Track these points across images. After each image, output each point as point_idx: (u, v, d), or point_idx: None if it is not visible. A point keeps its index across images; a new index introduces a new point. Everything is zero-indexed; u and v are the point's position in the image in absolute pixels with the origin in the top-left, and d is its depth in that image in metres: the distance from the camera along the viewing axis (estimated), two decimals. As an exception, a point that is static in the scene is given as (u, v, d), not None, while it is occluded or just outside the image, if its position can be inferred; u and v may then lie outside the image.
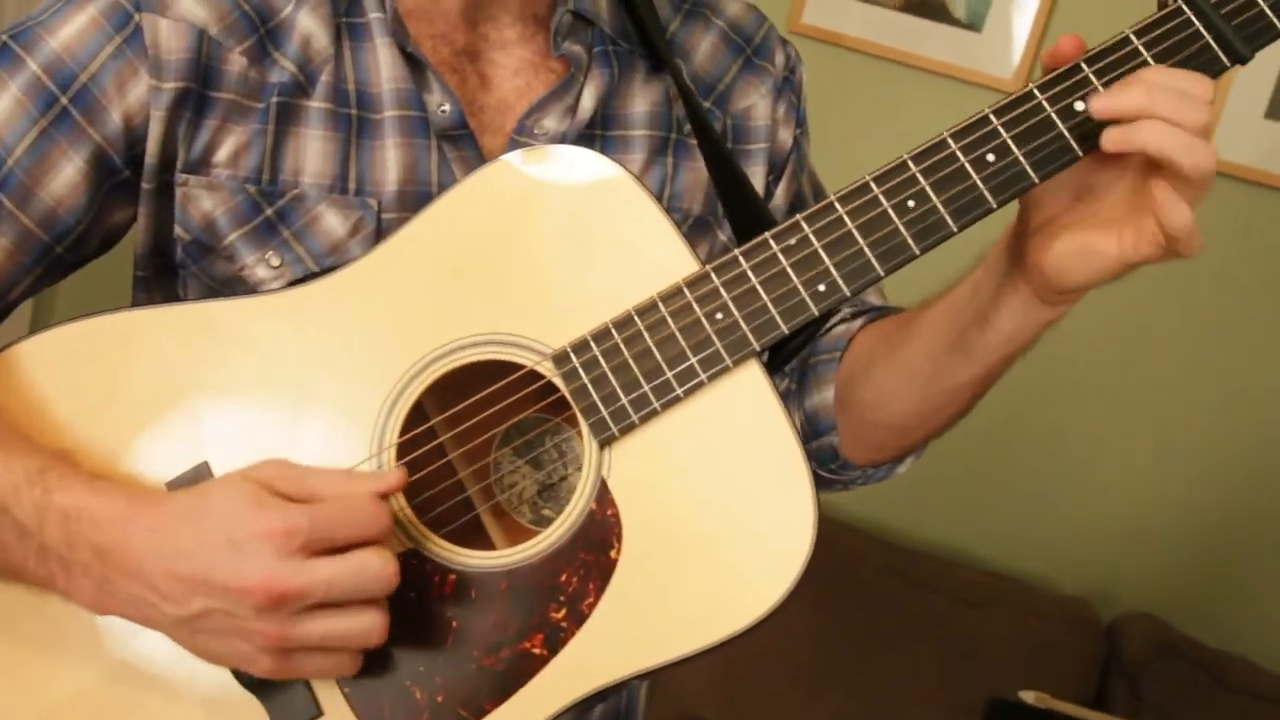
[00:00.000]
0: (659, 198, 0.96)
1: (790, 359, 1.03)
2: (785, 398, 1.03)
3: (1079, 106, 0.79)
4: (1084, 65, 0.79)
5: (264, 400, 0.86)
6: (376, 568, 0.75)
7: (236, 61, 0.88)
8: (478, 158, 0.92)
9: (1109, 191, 0.80)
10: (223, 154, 0.88)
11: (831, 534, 2.15)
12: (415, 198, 0.91)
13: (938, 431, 0.97)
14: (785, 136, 1.05)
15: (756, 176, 1.03)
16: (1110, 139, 0.76)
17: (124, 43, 0.85)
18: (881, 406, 0.96)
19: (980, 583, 2.19)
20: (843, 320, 1.04)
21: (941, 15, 2.24)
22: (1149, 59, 0.79)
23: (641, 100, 0.98)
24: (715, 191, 0.98)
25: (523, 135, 0.92)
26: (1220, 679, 2.07)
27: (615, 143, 0.96)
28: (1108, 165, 0.81)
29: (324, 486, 0.78)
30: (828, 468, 1.03)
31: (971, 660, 2.12)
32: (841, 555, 2.20)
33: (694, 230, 0.99)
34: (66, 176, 0.86)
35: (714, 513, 0.82)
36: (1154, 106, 0.74)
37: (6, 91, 0.85)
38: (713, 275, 0.82)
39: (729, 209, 0.98)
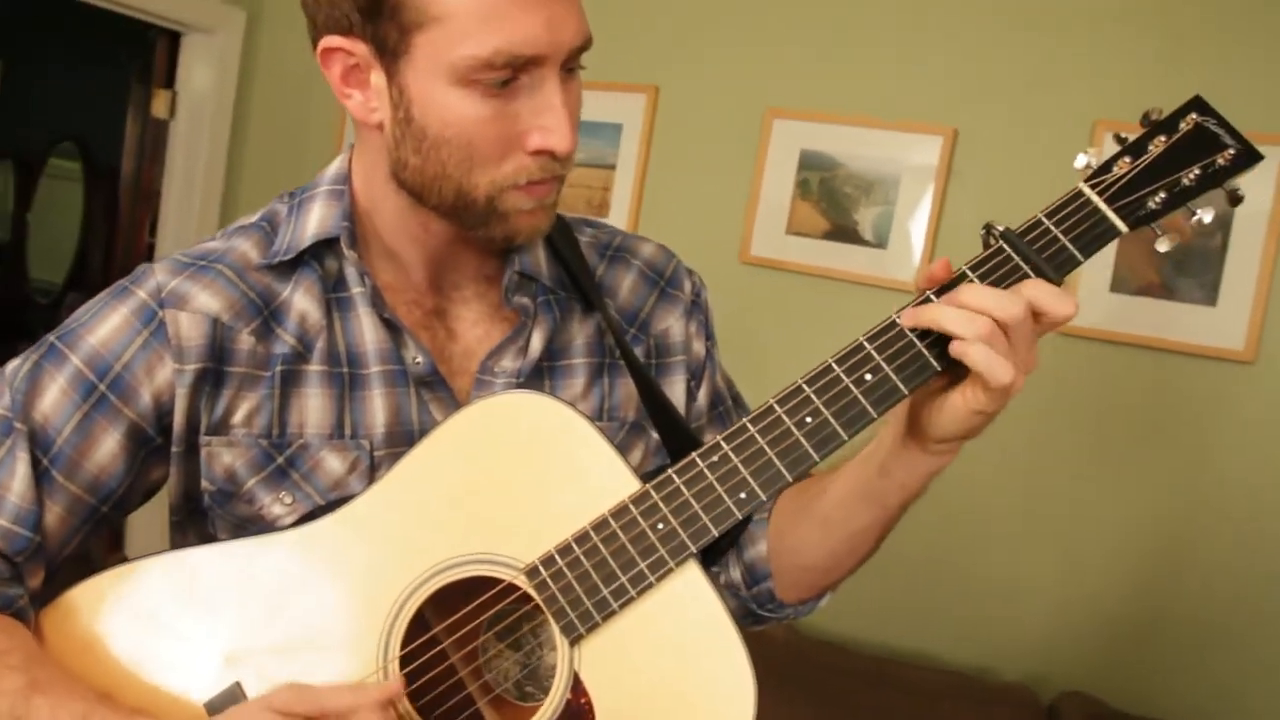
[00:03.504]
0: (600, 411, 0.96)
1: (723, 554, 1.00)
2: (726, 554, 1.01)
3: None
4: (931, 295, 0.79)
5: (285, 625, 0.82)
6: None
7: (246, 340, 0.87)
8: (450, 398, 0.91)
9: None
10: (239, 417, 0.87)
11: (811, 649, 2.13)
12: (401, 436, 0.89)
13: (851, 569, 0.95)
14: (699, 348, 1.04)
15: (679, 383, 1.02)
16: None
17: (151, 335, 0.86)
18: (806, 552, 0.95)
19: (937, 679, 2.19)
20: None
21: (855, 238, 2.42)
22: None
23: (580, 334, 0.97)
24: (642, 401, 0.98)
25: (485, 375, 0.91)
26: (1148, 742, 2.03)
27: (561, 371, 0.95)
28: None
29: (333, 701, 0.75)
30: (766, 608, 1.00)
31: (935, 748, 2.08)
32: (820, 668, 2.20)
33: (630, 433, 0.98)
34: (107, 449, 0.86)
35: (671, 692, 0.79)
36: (948, 323, 0.76)
37: (54, 384, 0.85)
38: (652, 492, 0.81)
39: (651, 413, 0.97)
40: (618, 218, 2.68)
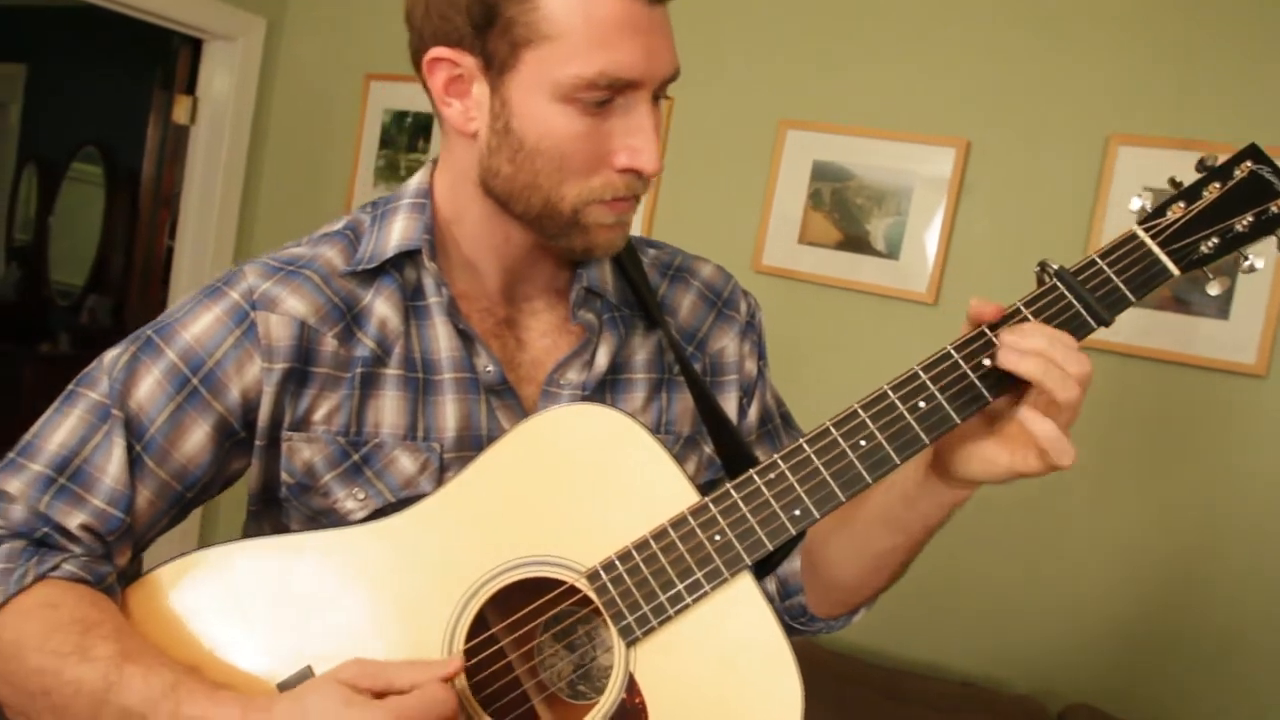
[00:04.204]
0: (658, 425, 0.98)
1: (776, 567, 1.02)
2: (775, 569, 1.03)
3: (986, 362, 0.81)
4: (987, 330, 0.82)
5: (356, 614, 0.85)
6: None
7: (329, 343, 0.90)
8: (518, 405, 0.93)
9: (1006, 418, 0.83)
10: (319, 414, 0.90)
11: (831, 662, 2.19)
12: (470, 440, 0.92)
13: (880, 589, 0.97)
14: (751, 367, 1.07)
15: (731, 399, 1.05)
16: (1007, 360, 0.79)
17: (242, 335, 0.89)
18: (835, 569, 0.97)
19: (949, 690, 2.20)
20: None
21: (867, 249, 2.41)
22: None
23: (641, 351, 1.00)
24: (699, 416, 1.01)
25: (552, 386, 0.94)
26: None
27: (622, 385, 0.98)
28: (1007, 398, 0.82)
29: (398, 677, 0.78)
30: (799, 621, 1.03)
31: (946, 757, 2.08)
32: (839, 679, 2.21)
33: (686, 446, 1.01)
34: (196, 439, 0.89)
35: (722, 696, 0.81)
36: (1048, 349, 0.78)
37: (150, 375, 0.88)
38: (711, 505, 0.83)
39: (709, 428, 1.00)
40: (632, 226, 2.66)
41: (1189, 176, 0.85)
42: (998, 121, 2.33)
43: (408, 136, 3.02)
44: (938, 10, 2.40)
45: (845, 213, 2.46)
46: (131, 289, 3.61)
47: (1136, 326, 2.20)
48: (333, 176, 3.17)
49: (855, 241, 2.45)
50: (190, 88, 3.22)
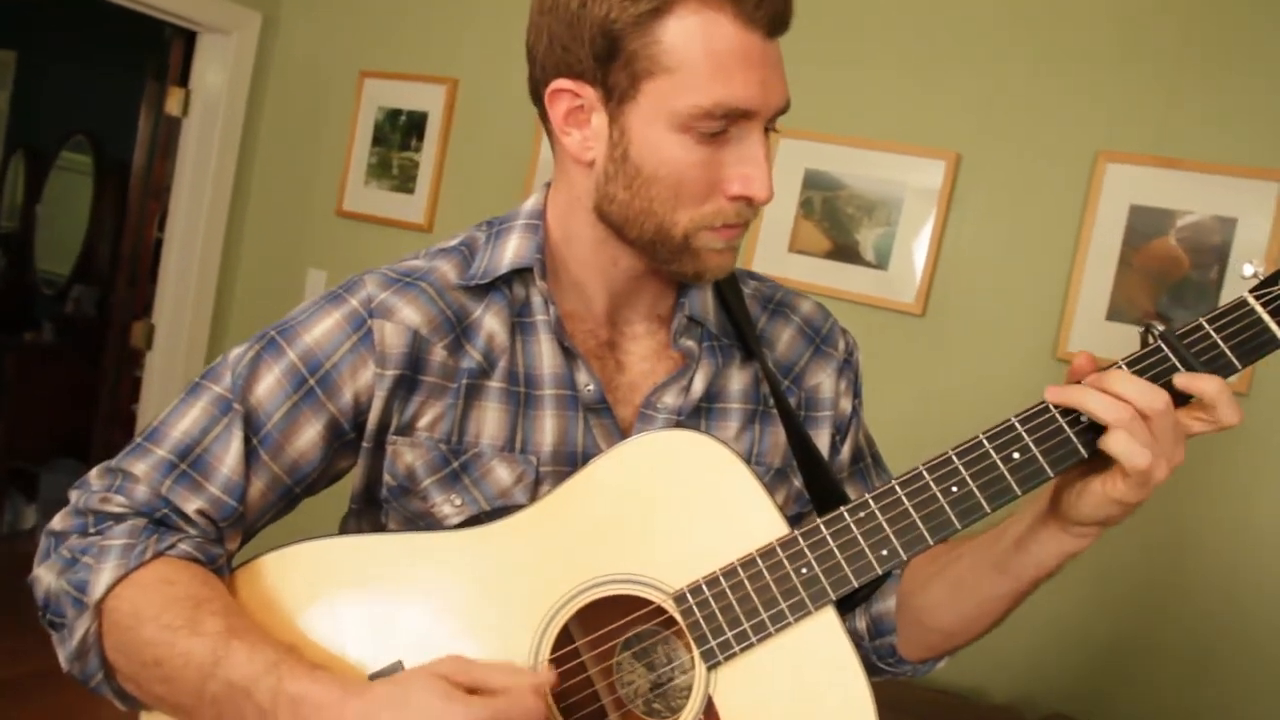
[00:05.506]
0: (750, 455, 0.99)
1: (859, 604, 1.03)
2: (857, 606, 1.04)
3: (1084, 418, 0.81)
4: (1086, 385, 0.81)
5: (448, 616, 0.87)
6: None
7: (439, 353, 0.93)
8: (614, 425, 0.95)
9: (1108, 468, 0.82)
10: (424, 421, 0.93)
11: None
12: (566, 456, 0.94)
13: (976, 637, 0.98)
14: (846, 405, 1.08)
15: (824, 436, 1.05)
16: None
17: (359, 340, 0.92)
18: (933, 613, 0.98)
19: (930, 699, 2.21)
20: None
21: (856, 259, 2.41)
22: None
23: (738, 381, 1.01)
24: (790, 450, 1.01)
25: (649, 409, 0.96)
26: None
27: (717, 413, 0.99)
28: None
29: (491, 678, 0.80)
30: (886, 661, 1.04)
31: (925, 763, 2.07)
32: None
33: (775, 479, 1.01)
34: (308, 437, 0.92)
35: None
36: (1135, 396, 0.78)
37: (271, 373, 0.91)
38: (800, 539, 0.84)
39: (800, 463, 1.01)
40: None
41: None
42: (988, 135, 2.34)
43: (400, 134, 3.01)
44: (931, 24, 2.41)
45: (835, 222, 2.47)
46: (118, 280, 3.58)
47: (1119, 341, 2.21)
48: (324, 173, 3.15)
49: (845, 251, 2.45)
50: (183, 80, 3.19)
